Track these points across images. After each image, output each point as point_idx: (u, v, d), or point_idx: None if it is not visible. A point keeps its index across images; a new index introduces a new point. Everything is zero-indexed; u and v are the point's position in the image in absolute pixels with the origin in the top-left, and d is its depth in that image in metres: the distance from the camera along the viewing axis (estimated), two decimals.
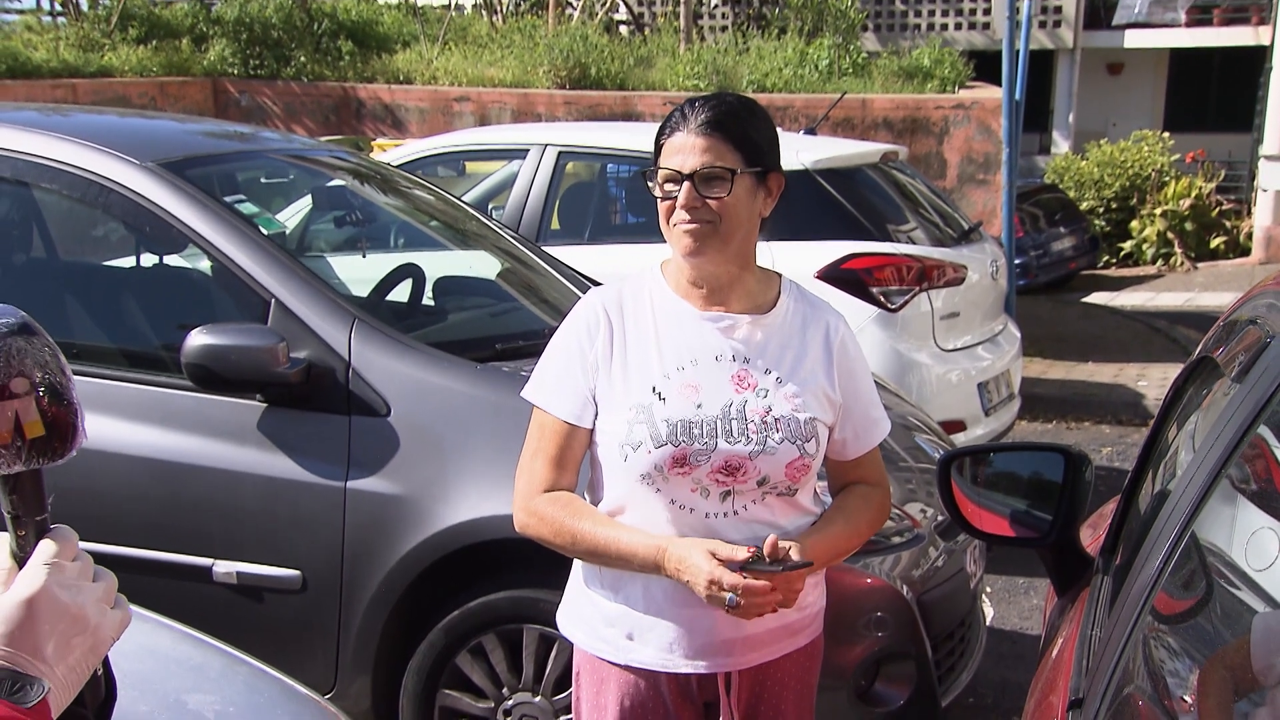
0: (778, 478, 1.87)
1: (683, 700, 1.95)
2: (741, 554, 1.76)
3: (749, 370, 1.89)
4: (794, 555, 1.78)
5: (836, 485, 2.05)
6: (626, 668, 1.94)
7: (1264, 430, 1.39)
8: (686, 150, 1.82)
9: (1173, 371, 8.24)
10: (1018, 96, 7.99)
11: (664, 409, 1.84)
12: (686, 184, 1.81)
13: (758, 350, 1.90)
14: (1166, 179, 14.77)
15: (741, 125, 1.84)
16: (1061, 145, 18.55)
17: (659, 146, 1.87)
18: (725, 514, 1.87)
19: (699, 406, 1.85)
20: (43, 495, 0.99)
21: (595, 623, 1.96)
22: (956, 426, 5.15)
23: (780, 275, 2.01)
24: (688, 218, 1.82)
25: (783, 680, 1.99)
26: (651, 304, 1.93)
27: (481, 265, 4.12)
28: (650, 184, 1.88)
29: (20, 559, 0.97)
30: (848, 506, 1.99)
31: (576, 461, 1.93)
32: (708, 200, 1.81)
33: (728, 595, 1.74)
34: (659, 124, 1.92)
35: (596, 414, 1.90)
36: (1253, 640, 1.21)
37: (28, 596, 0.92)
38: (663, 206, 1.85)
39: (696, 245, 1.83)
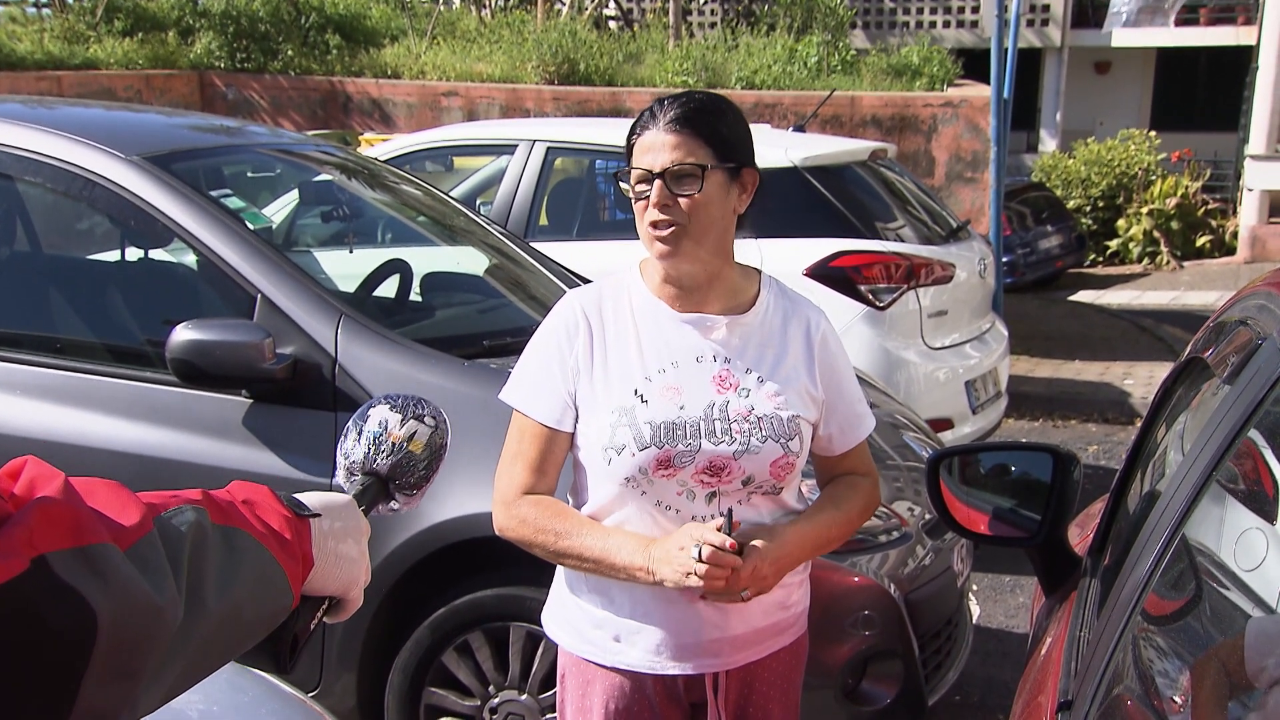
0: (763, 477, 1.86)
1: (669, 702, 1.94)
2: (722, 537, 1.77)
3: (730, 370, 1.88)
4: (748, 541, 1.79)
5: (825, 480, 2.05)
6: (613, 670, 1.93)
7: (1253, 433, 1.39)
8: (657, 148, 1.81)
9: (1158, 370, 8.27)
10: (1006, 95, 7.99)
11: (646, 411, 1.83)
12: (658, 182, 1.80)
13: (738, 350, 1.89)
14: (1153, 178, 14.79)
15: (710, 121, 1.83)
16: (1049, 144, 18.57)
17: (630, 146, 1.86)
18: (711, 515, 1.86)
19: (681, 408, 1.84)
20: (374, 503, 1.28)
21: (581, 625, 1.95)
22: (944, 424, 5.15)
23: (760, 272, 2.00)
24: (660, 217, 1.80)
25: (769, 680, 1.99)
26: (631, 305, 1.92)
27: (469, 261, 4.11)
28: (623, 184, 1.87)
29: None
30: (838, 495, 1.99)
31: (557, 465, 1.92)
32: (679, 198, 1.80)
33: (694, 548, 1.73)
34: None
35: (577, 418, 1.89)
36: (1246, 643, 1.21)
37: (353, 495, 1.25)
38: (637, 206, 1.84)
39: (668, 249, 1.82)
